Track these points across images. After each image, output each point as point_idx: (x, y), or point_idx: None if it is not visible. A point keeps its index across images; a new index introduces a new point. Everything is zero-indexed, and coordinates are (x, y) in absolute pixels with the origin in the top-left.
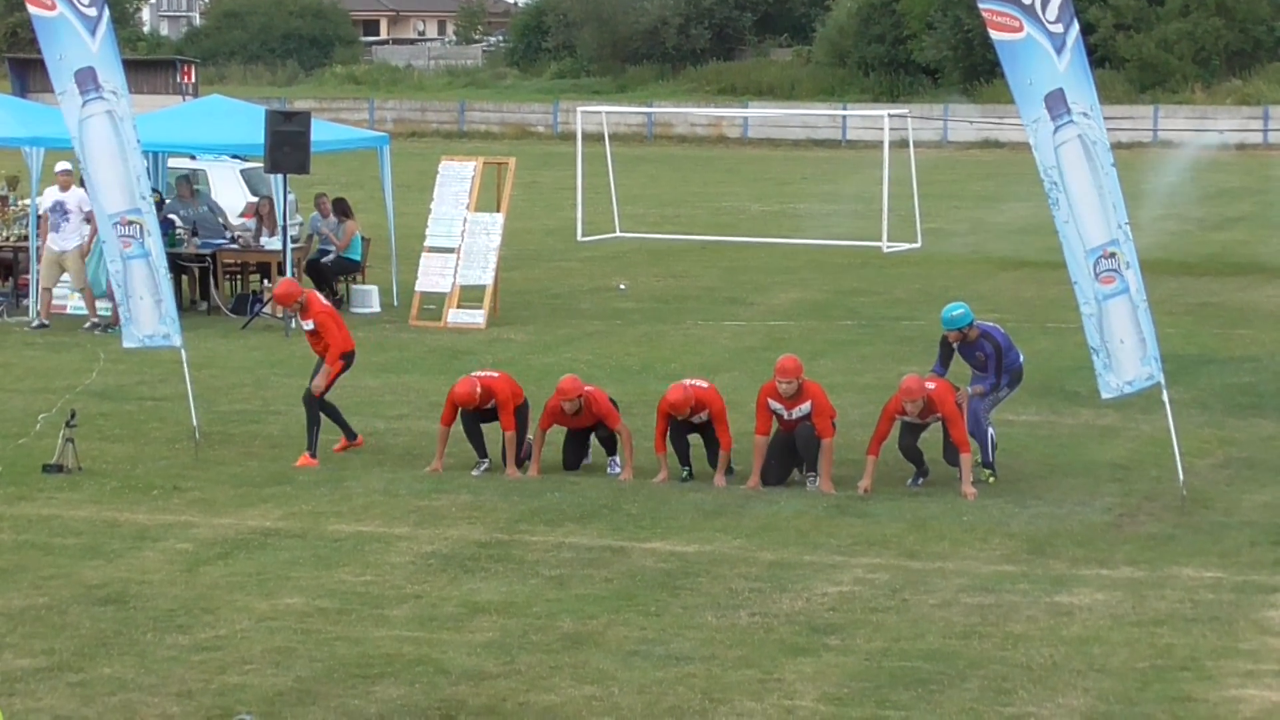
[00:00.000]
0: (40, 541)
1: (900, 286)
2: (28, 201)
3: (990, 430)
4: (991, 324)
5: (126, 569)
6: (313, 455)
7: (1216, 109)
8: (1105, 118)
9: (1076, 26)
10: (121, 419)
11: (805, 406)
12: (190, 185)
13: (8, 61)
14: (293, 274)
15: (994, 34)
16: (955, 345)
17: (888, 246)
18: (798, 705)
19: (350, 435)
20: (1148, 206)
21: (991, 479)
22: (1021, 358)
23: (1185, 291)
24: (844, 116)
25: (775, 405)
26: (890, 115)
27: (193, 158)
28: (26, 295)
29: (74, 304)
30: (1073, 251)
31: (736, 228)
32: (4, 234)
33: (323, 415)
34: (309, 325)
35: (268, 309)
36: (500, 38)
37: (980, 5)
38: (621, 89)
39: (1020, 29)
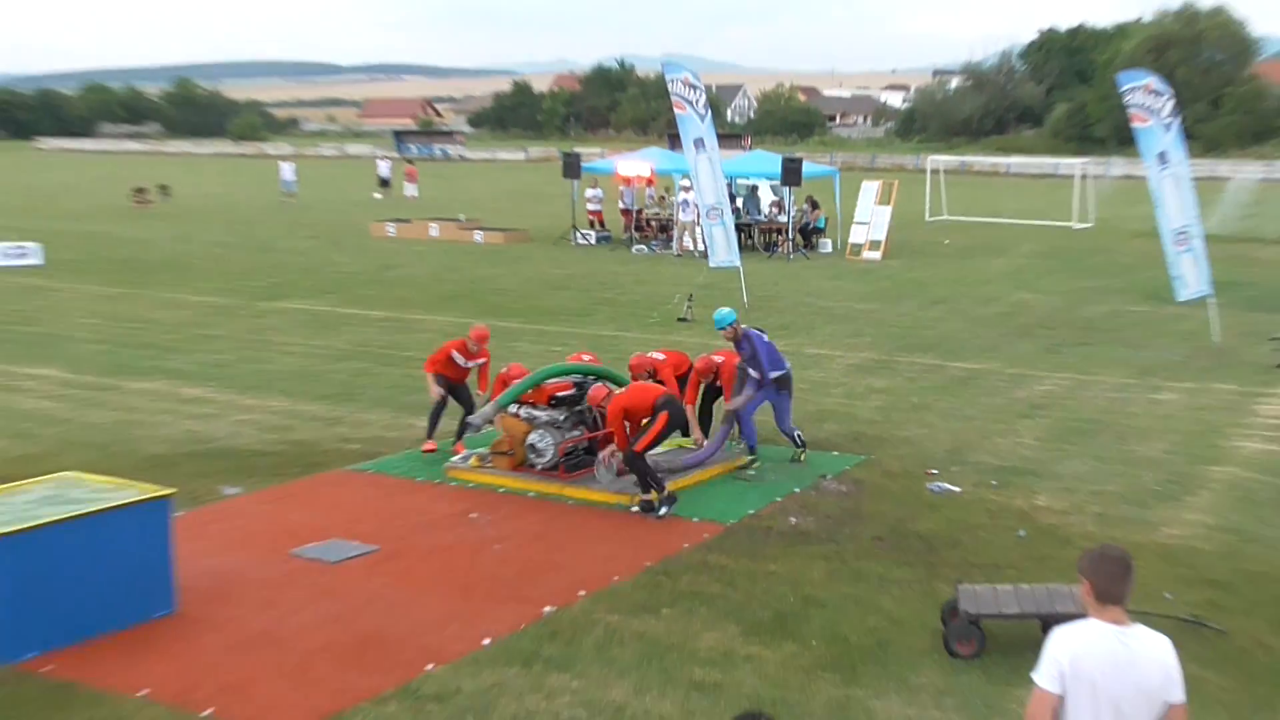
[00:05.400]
0: None
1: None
2: (671, 197)
3: (751, 428)
4: (757, 332)
5: None
6: None
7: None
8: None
9: (1177, 121)
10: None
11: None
12: (754, 189)
13: (668, 136)
14: (792, 238)
15: (1136, 124)
16: (730, 341)
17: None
18: (1024, 442)
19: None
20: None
21: (754, 468)
22: (789, 366)
23: (1220, 250)
24: None
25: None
26: None
27: (749, 180)
28: (672, 244)
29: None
30: (1165, 230)
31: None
32: (663, 213)
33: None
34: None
35: (779, 250)
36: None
37: (1129, 108)
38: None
39: (1148, 121)
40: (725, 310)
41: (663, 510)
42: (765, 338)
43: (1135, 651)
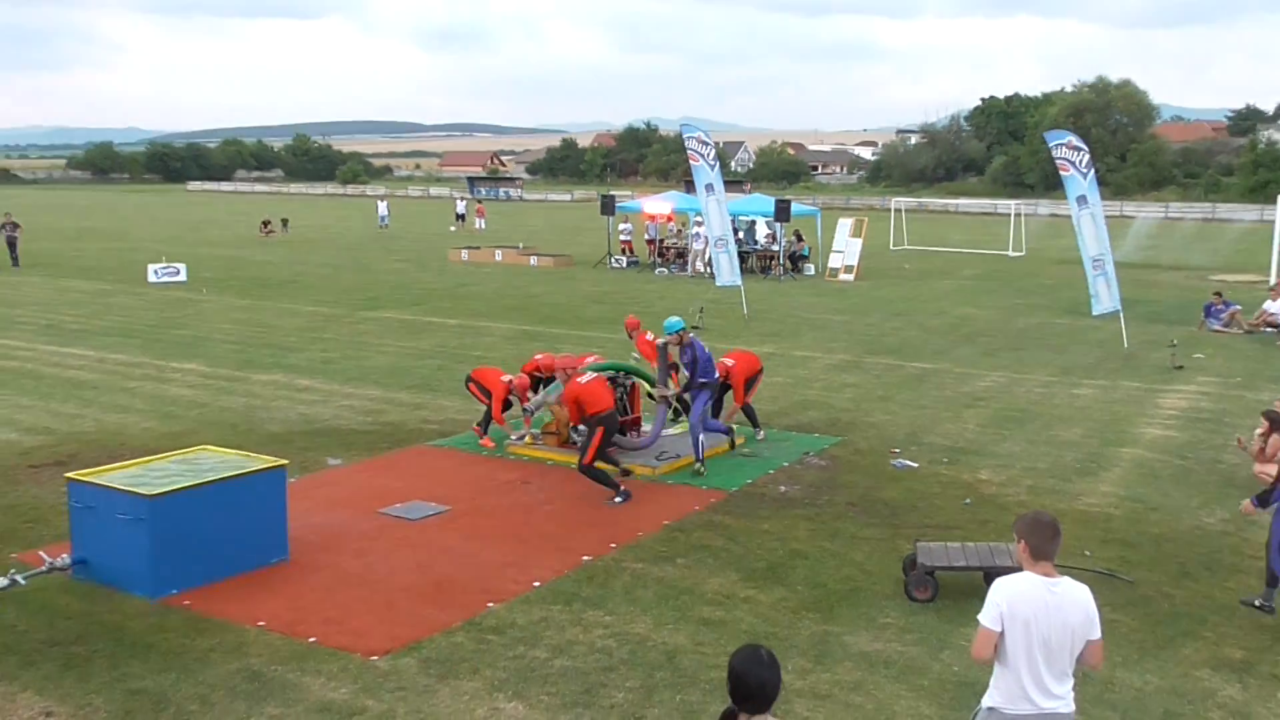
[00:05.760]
0: None
1: (1032, 277)
2: (687, 230)
3: (700, 437)
4: (700, 342)
5: None
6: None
7: (1151, 204)
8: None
9: (1093, 171)
10: (719, 315)
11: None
12: (752, 224)
13: (685, 182)
14: (783, 263)
15: (1061, 173)
16: (675, 347)
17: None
18: (969, 427)
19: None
20: (1129, 243)
21: (702, 470)
22: (717, 375)
23: (1127, 274)
24: None
25: None
26: None
27: (749, 216)
28: (687, 267)
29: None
30: (1085, 257)
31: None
32: (680, 243)
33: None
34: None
35: (772, 273)
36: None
37: (1056, 160)
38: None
39: (1070, 170)
40: (673, 319)
41: (617, 500)
42: (706, 349)
43: (1061, 597)
